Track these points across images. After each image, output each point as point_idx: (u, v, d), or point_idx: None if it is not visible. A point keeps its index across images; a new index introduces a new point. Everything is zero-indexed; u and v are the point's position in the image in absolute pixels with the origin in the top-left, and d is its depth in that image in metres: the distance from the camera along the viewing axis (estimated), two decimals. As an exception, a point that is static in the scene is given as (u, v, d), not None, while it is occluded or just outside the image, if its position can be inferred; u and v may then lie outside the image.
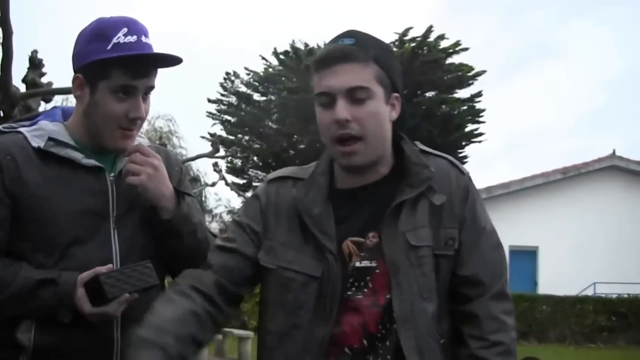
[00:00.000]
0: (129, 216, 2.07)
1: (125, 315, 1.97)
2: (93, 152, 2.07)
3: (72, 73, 2.08)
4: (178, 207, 2.04)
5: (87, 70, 2.03)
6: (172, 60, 2.08)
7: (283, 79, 25.19)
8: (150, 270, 1.98)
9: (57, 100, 15.36)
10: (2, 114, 10.28)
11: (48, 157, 2.01)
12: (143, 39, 2.03)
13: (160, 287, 2.07)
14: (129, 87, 2.01)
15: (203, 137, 26.66)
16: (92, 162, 2.04)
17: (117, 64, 1.99)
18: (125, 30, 2.01)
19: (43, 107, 13.28)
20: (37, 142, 2.00)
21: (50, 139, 2.01)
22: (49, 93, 11.84)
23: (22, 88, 11.34)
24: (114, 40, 2.00)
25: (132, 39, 2.01)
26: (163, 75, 2.12)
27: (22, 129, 2.05)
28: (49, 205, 1.97)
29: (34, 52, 12.04)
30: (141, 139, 2.19)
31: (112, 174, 2.08)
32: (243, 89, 27.13)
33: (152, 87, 2.08)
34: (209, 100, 27.18)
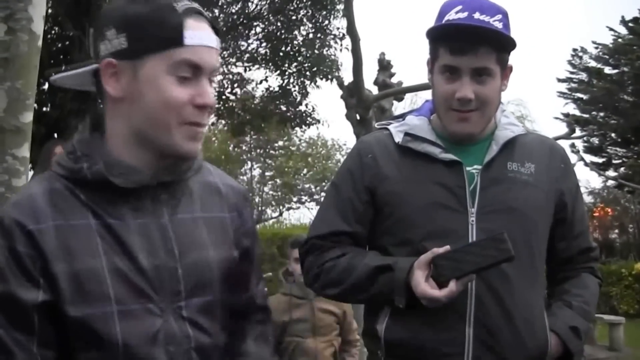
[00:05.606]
0: (494, 211, 1.91)
1: (480, 311, 1.87)
2: (455, 144, 1.98)
3: (419, 70, 2.07)
4: None
5: (430, 53, 1.98)
6: (499, 39, 1.87)
7: (634, 47, 23.63)
8: (500, 242, 1.75)
9: (408, 98, 16.05)
10: (358, 118, 11.04)
11: (407, 152, 1.98)
12: (477, 15, 1.85)
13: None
14: (452, 68, 1.89)
15: (557, 118, 26.10)
16: (449, 156, 1.94)
17: (442, 41, 1.90)
18: (459, 7, 1.87)
19: (395, 106, 13.97)
20: (398, 138, 2.00)
21: (406, 134, 1.99)
22: (399, 92, 12.43)
23: (375, 90, 12.05)
24: (445, 18, 1.88)
25: (462, 15, 1.85)
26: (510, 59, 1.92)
27: (390, 126, 2.05)
28: (405, 201, 1.93)
29: (382, 54, 12.74)
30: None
31: (477, 165, 1.96)
32: (593, 63, 25.95)
33: (484, 69, 1.88)
34: (559, 80, 26.50)
